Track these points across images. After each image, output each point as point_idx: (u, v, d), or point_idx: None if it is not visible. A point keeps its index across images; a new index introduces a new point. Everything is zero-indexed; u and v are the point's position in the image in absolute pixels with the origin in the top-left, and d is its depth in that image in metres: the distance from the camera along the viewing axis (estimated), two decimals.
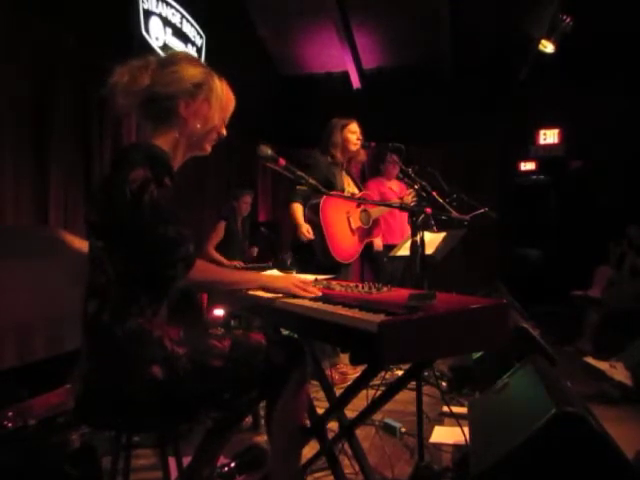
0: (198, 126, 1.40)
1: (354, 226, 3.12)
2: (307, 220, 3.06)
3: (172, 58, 1.41)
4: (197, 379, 1.26)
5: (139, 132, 3.66)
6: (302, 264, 3.22)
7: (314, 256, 3.00)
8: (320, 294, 1.44)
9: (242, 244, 4.79)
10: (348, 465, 1.92)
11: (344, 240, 3.06)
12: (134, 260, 1.24)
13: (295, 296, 1.44)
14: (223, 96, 1.44)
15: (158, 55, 1.43)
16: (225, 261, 4.54)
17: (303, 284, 1.47)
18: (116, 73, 1.35)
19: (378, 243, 3.77)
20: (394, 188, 4.32)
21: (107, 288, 1.25)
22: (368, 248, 3.36)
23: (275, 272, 1.93)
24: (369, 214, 3.23)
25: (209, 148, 1.49)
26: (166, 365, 1.23)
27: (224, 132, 1.49)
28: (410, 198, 3.27)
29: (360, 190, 3.38)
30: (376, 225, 3.30)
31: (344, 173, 3.33)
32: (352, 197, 3.13)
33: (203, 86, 1.39)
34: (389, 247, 3.62)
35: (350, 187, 3.33)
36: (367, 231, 3.23)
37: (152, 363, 1.22)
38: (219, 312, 3.92)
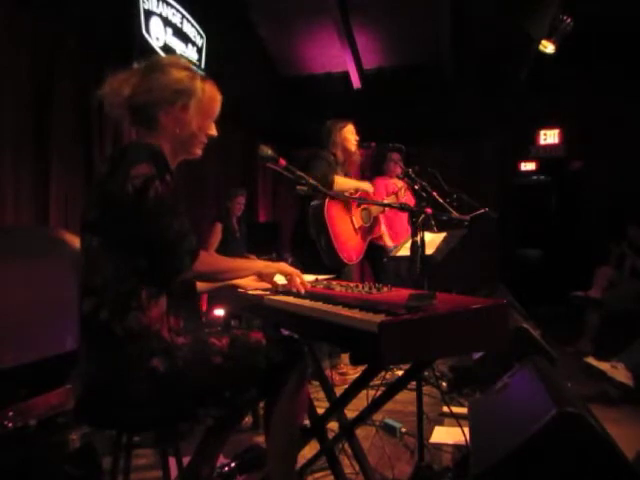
0: (177, 131, 1.40)
1: (357, 225, 3.11)
2: (310, 222, 3.01)
3: (156, 65, 1.42)
4: (197, 370, 1.27)
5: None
6: (302, 265, 3.20)
7: (315, 256, 2.97)
8: (303, 292, 1.50)
9: (240, 243, 4.80)
10: (348, 465, 1.92)
11: (350, 241, 3.03)
12: (136, 254, 1.25)
13: (287, 293, 1.50)
14: (204, 99, 1.43)
15: (149, 60, 1.44)
16: None
17: (295, 272, 1.54)
18: (105, 84, 1.38)
19: (389, 243, 3.80)
20: (398, 186, 4.32)
21: (104, 286, 1.24)
22: (370, 247, 3.35)
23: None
24: (370, 212, 3.22)
25: (198, 151, 1.49)
26: (166, 356, 1.24)
27: (214, 132, 1.49)
28: (402, 192, 3.32)
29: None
30: (376, 223, 3.31)
31: (343, 175, 3.33)
32: (353, 197, 3.11)
33: (183, 91, 1.39)
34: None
35: None
36: (369, 229, 3.23)
37: (152, 356, 1.23)
38: (219, 312, 3.92)
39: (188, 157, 1.48)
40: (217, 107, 1.49)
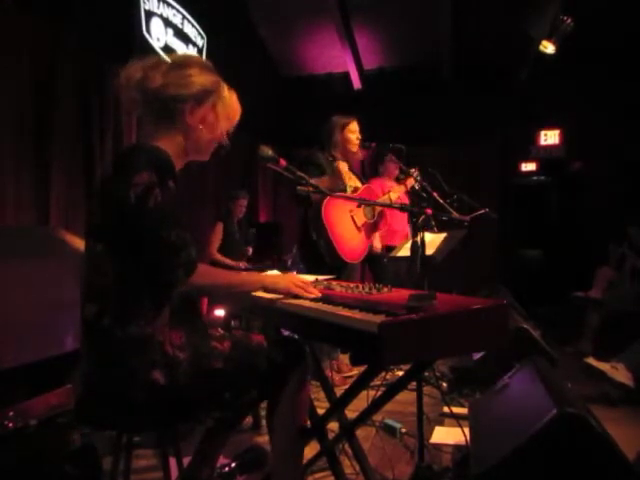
0: (205, 133, 1.40)
1: (359, 223, 3.08)
2: (311, 223, 2.99)
3: (186, 61, 1.41)
4: (198, 383, 1.26)
5: (140, 131, 3.67)
6: (309, 262, 3.19)
7: (317, 257, 2.95)
8: (320, 295, 1.44)
9: (240, 245, 4.79)
10: (348, 465, 1.92)
11: (351, 240, 3.02)
12: (135, 264, 1.23)
13: (296, 296, 1.43)
14: (231, 106, 1.45)
15: (173, 55, 1.44)
16: (230, 262, 4.53)
17: (304, 284, 1.47)
18: (129, 68, 1.35)
19: (377, 245, 3.73)
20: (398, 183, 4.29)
21: (106, 292, 1.23)
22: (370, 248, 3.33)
23: (275, 272, 1.93)
24: (374, 207, 3.19)
25: (208, 157, 1.49)
26: (167, 370, 1.22)
27: (227, 142, 1.49)
28: (394, 196, 3.30)
29: (362, 184, 3.35)
30: (382, 217, 3.26)
31: (346, 168, 3.30)
32: (353, 197, 3.10)
33: (211, 93, 1.39)
34: (390, 248, 3.61)
35: (352, 181, 3.27)
36: (373, 225, 3.20)
37: (153, 368, 1.21)
38: (219, 313, 3.93)
39: (196, 159, 1.47)
40: (237, 118, 1.50)
